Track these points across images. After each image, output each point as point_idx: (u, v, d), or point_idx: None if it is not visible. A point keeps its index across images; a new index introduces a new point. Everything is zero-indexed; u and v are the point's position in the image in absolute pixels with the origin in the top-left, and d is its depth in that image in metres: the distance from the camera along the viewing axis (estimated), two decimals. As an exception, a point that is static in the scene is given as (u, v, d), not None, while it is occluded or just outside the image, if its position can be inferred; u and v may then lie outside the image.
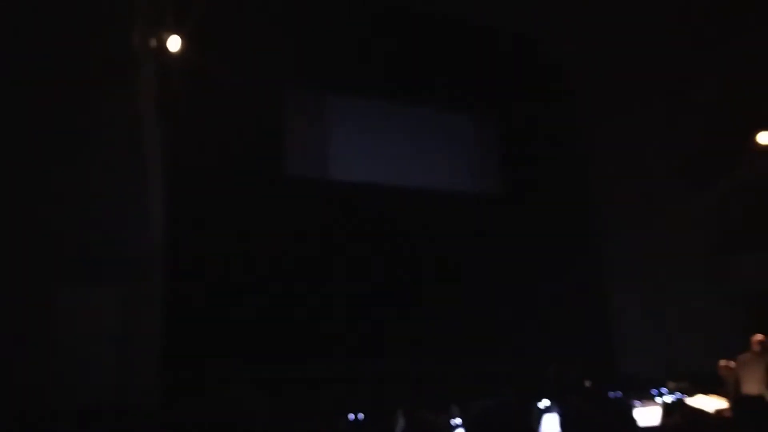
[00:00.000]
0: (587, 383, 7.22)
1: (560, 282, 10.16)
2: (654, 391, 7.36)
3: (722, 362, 6.93)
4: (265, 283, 8.90)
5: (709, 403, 6.65)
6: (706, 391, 7.00)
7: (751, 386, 6.84)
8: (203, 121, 8.79)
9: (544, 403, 6.87)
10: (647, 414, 5.96)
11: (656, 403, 6.74)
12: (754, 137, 9.72)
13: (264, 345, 8.62)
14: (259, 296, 8.78)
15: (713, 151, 10.25)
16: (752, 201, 10.20)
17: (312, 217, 9.39)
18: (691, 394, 7.03)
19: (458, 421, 6.46)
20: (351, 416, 7.99)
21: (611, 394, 7.04)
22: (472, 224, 10.37)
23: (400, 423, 6.83)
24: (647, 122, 10.80)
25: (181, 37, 7.71)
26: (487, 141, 11.29)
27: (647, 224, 10.76)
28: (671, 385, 7.48)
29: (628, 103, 10.85)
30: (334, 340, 9.00)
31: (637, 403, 6.35)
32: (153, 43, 7.85)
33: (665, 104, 10.68)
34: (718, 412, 6.38)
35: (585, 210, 11.26)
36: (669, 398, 7.26)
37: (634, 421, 5.56)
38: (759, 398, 6.11)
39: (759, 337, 7.05)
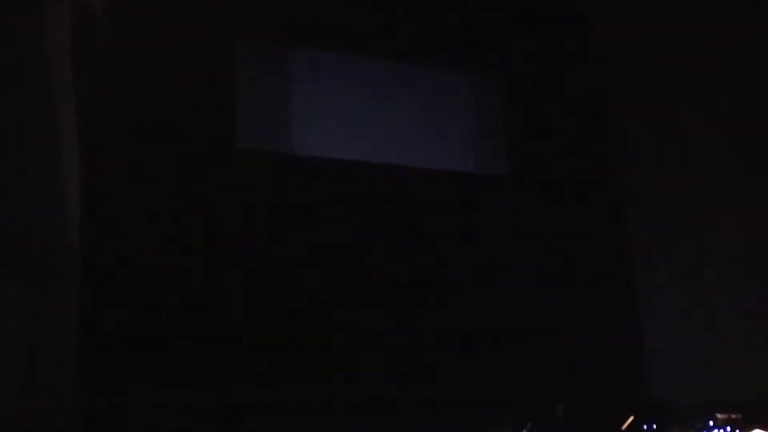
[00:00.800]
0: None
1: (578, 286, 10.11)
2: (699, 425, 7.18)
3: None
4: (209, 286, 8.60)
5: None
6: (763, 425, 6.82)
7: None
8: (132, 80, 8.53)
9: None
10: None
11: None
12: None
13: (204, 363, 8.29)
14: (200, 302, 8.47)
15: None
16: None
17: (269, 201, 9.11)
18: (745, 428, 6.88)
19: None
20: None
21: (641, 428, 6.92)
22: (470, 212, 10.13)
23: None
24: (694, 83, 10.47)
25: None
26: (490, 108, 11.01)
27: (692, 214, 10.50)
28: (720, 417, 7.28)
29: (668, 61, 10.58)
30: (294, 358, 8.72)
31: None
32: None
33: (720, 60, 10.34)
34: None
35: (611, 196, 11.01)
36: None
37: None
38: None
39: None
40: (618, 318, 10.50)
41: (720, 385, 9.56)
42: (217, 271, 8.76)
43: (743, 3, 10.20)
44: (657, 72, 10.88)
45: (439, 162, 10.48)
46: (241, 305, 8.80)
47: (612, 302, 10.49)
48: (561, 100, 10.87)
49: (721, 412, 7.31)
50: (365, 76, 10.30)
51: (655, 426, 7.10)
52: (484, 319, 9.73)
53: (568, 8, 11.16)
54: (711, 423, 7.21)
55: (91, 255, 8.06)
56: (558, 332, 9.84)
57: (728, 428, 6.92)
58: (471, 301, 9.76)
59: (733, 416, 7.21)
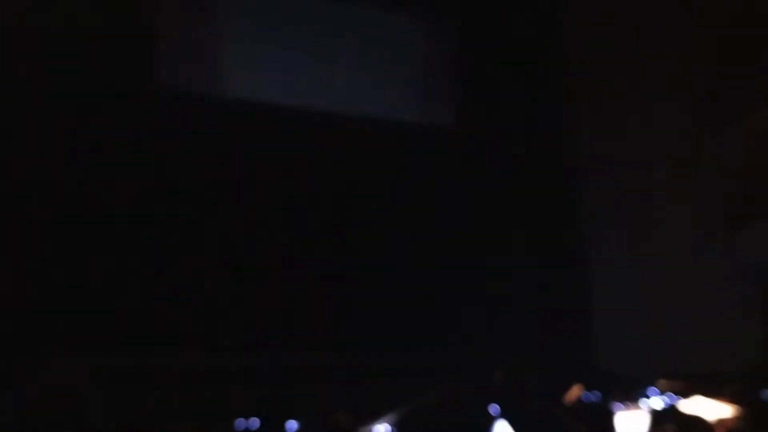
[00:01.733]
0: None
1: (525, 249, 10.19)
2: (640, 393, 7.40)
3: None
4: (117, 239, 8.34)
5: (710, 407, 6.66)
6: (707, 393, 7.04)
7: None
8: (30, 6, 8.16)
9: (495, 408, 6.77)
10: (631, 421, 5.89)
11: (643, 408, 6.76)
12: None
13: (112, 323, 8.08)
14: (105, 256, 8.22)
15: (733, 84, 10.10)
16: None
17: (195, 149, 8.86)
18: (687, 396, 7.08)
19: (385, 427, 6.35)
20: (241, 422, 7.72)
21: (587, 397, 7.08)
22: (416, 166, 10.05)
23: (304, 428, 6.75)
24: (649, 39, 10.64)
25: None
26: (440, 53, 10.88)
27: (641, 177, 10.67)
28: (663, 384, 7.51)
29: (625, 16, 10.67)
30: (217, 319, 8.59)
31: (619, 407, 6.33)
32: None
33: (673, 21, 10.48)
34: (721, 420, 6.38)
35: (562, 155, 11.09)
36: (659, 402, 7.20)
37: (611, 429, 5.47)
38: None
39: None
40: (565, 284, 10.63)
41: (664, 354, 9.80)
42: (131, 226, 8.50)
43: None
44: (611, 26, 10.89)
45: (383, 110, 10.31)
46: (157, 263, 8.53)
47: (560, 268, 10.63)
48: (516, 47, 10.84)
49: (664, 380, 7.55)
50: (305, 15, 9.99)
51: (599, 393, 7.27)
52: (424, 280, 9.68)
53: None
54: (654, 390, 7.43)
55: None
56: (503, 297, 9.88)
57: (670, 396, 7.14)
58: (409, 261, 9.69)
59: (676, 384, 7.45)
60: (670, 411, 6.74)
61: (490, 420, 6.39)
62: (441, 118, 10.81)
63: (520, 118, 10.65)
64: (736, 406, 6.63)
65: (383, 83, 10.44)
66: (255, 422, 7.70)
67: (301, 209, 9.45)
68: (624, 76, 10.83)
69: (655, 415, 6.61)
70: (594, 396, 7.42)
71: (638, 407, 6.80)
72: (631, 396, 6.98)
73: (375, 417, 6.47)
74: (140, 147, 8.63)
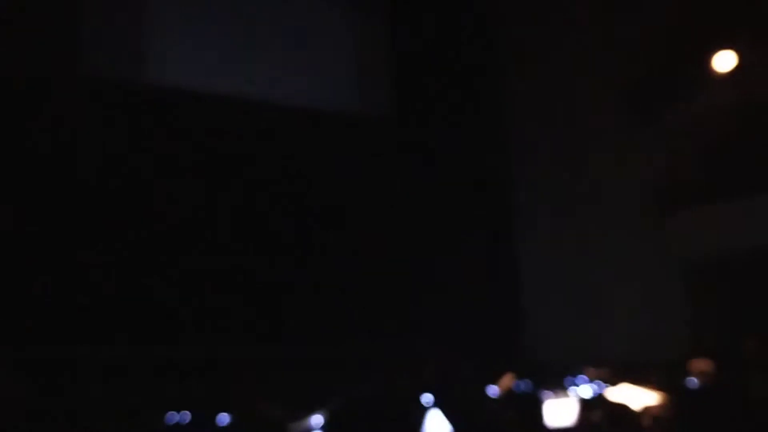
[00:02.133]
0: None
1: (456, 240, 10.25)
2: (569, 381, 7.61)
3: None
4: (41, 229, 8.15)
5: (636, 395, 6.92)
6: (633, 381, 7.29)
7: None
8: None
9: (428, 397, 6.91)
10: (560, 409, 6.07)
11: (571, 396, 6.97)
12: (714, 60, 10.07)
13: (36, 316, 7.92)
14: (29, 246, 8.05)
15: (661, 76, 10.33)
16: (706, 140, 10.64)
17: (118, 137, 8.71)
18: (614, 384, 7.30)
19: (315, 419, 6.42)
20: (172, 416, 7.59)
21: (517, 385, 7.24)
22: (348, 156, 10.01)
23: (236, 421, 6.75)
24: (580, 34, 10.79)
25: None
26: (372, 39, 10.91)
27: (571, 169, 10.84)
28: (590, 372, 7.74)
29: (555, 9, 10.83)
30: (144, 312, 8.45)
31: (548, 395, 6.50)
32: None
33: (603, 13, 10.67)
34: (647, 407, 6.64)
35: (497, 142, 11.25)
36: (587, 390, 7.39)
37: (541, 417, 5.66)
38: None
39: None
40: (495, 274, 10.79)
41: (592, 342, 10.02)
42: (64, 207, 8.33)
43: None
44: (542, 18, 11.02)
45: (314, 98, 10.22)
46: (80, 254, 8.32)
47: (490, 258, 10.80)
48: (450, 36, 10.89)
49: (592, 368, 7.78)
50: (235, 2, 9.88)
51: (529, 382, 7.43)
52: (355, 272, 9.70)
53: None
54: (582, 378, 7.64)
55: None
56: (433, 287, 9.94)
57: (598, 384, 7.36)
58: (340, 252, 9.72)
59: (603, 372, 7.68)
60: (598, 399, 6.96)
61: (423, 410, 6.55)
62: (374, 106, 10.86)
63: (454, 109, 10.73)
64: (661, 393, 6.92)
65: (315, 72, 10.38)
66: (186, 416, 7.63)
67: (229, 200, 9.36)
68: (555, 69, 10.93)
69: (583, 402, 6.83)
70: (525, 384, 7.59)
71: (567, 395, 7.01)
72: (561, 384, 7.18)
73: (307, 409, 6.56)
74: (62, 134, 8.44)
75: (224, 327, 8.91)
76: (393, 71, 10.96)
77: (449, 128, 10.62)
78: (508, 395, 6.52)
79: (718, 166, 10.41)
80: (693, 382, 6.97)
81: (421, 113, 10.68)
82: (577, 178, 10.89)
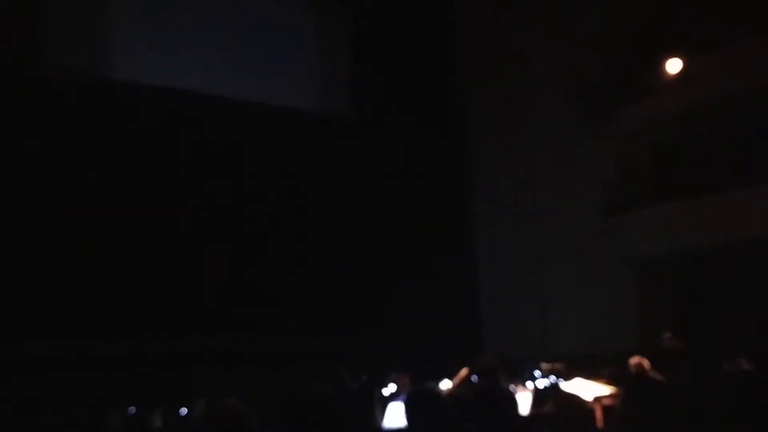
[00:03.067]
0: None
1: (415, 236, 10.35)
2: (525, 374, 7.75)
3: None
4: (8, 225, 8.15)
5: (588, 388, 7.09)
6: (586, 375, 7.46)
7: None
8: None
9: (390, 389, 7.02)
10: (517, 400, 6.19)
11: (526, 388, 7.02)
12: (662, 64, 10.33)
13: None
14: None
15: (612, 80, 10.62)
16: (655, 143, 10.91)
17: (80, 134, 8.74)
18: (567, 377, 7.44)
19: (275, 411, 6.42)
20: (132, 409, 7.72)
21: (473, 378, 7.30)
22: (310, 154, 10.10)
23: (200, 411, 6.73)
24: (534, 39, 11.03)
25: None
26: (333, 42, 10.97)
27: (528, 166, 11.08)
28: (545, 366, 7.88)
29: (513, 9, 11.04)
30: (103, 306, 8.48)
31: (505, 388, 6.57)
32: None
33: (556, 19, 10.92)
34: (598, 399, 6.82)
35: (454, 141, 11.42)
36: (542, 382, 7.39)
37: (499, 409, 5.78)
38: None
39: None
40: (454, 270, 10.92)
41: (546, 337, 10.29)
42: (25, 204, 8.31)
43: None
44: (504, 19, 11.29)
45: (276, 97, 10.26)
46: (42, 248, 8.33)
47: (449, 255, 10.89)
48: (409, 37, 10.98)
49: (546, 362, 7.94)
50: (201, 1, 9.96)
51: (485, 375, 7.50)
52: (314, 267, 9.82)
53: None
54: (537, 373, 7.78)
55: None
56: (393, 283, 10.06)
57: (553, 377, 7.50)
58: (301, 247, 9.83)
59: (557, 366, 7.84)
60: (552, 390, 7.11)
61: (384, 402, 6.65)
62: (335, 107, 10.95)
63: (415, 108, 10.84)
64: (611, 385, 7.11)
65: (275, 68, 10.43)
66: (142, 409, 7.71)
67: (191, 195, 9.43)
68: (513, 69, 11.17)
69: (538, 394, 6.98)
70: (481, 378, 7.65)
71: (523, 387, 7.15)
72: (517, 377, 7.31)
73: (267, 403, 6.58)
74: (24, 129, 8.43)
75: (192, 321, 8.97)
76: (354, 70, 11.06)
77: (407, 127, 10.74)
78: (465, 388, 6.64)
79: (666, 167, 10.66)
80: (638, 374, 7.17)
81: (380, 112, 10.81)
82: (532, 178, 11.06)
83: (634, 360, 7.06)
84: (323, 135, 10.40)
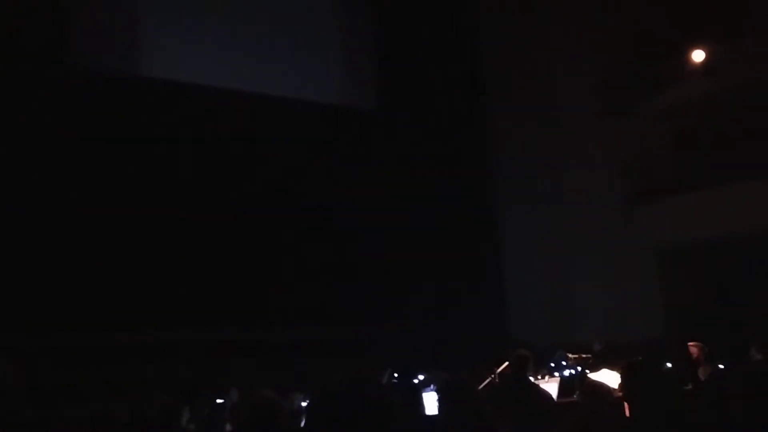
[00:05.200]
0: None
1: (441, 226, 10.45)
2: (552, 366, 7.80)
3: None
4: (31, 219, 8.34)
5: (614, 378, 7.15)
6: (611, 365, 7.53)
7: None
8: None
9: (421, 379, 7.12)
10: (546, 389, 6.29)
11: (554, 378, 7.15)
12: (686, 54, 10.36)
13: (24, 305, 8.09)
14: (19, 236, 8.23)
15: (636, 71, 10.68)
16: (679, 132, 10.91)
17: (113, 129, 8.92)
18: (593, 367, 7.51)
19: (303, 400, 6.53)
20: (168, 398, 7.78)
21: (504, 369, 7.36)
22: (336, 148, 10.22)
23: (233, 401, 6.84)
24: (557, 30, 11.12)
25: None
26: (359, 38, 11.10)
27: (549, 156, 11.18)
28: (572, 357, 7.98)
29: (536, 2, 11.11)
30: (133, 300, 8.64)
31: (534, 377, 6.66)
32: None
33: (579, 9, 10.97)
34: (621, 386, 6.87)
35: (478, 133, 11.52)
36: (568, 372, 7.60)
37: (530, 400, 5.87)
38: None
39: None
40: (479, 260, 11.05)
41: (572, 326, 10.37)
42: (56, 197, 8.48)
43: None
44: (523, 17, 11.34)
45: (302, 92, 10.37)
46: (62, 245, 8.50)
47: (474, 246, 11.02)
48: (433, 33, 11.05)
49: (572, 353, 8.00)
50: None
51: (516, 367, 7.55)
52: (342, 258, 9.97)
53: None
54: (563, 363, 7.84)
55: None
56: (419, 274, 10.20)
57: (579, 368, 7.54)
58: (328, 240, 9.94)
59: (583, 356, 7.91)
60: (578, 380, 7.20)
61: (419, 391, 6.76)
62: (361, 101, 11.06)
63: (438, 104, 10.96)
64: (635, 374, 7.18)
65: (301, 64, 10.54)
66: (184, 397, 7.80)
67: (220, 191, 9.59)
68: (534, 65, 11.26)
69: (565, 382, 7.07)
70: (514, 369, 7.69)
71: (552, 376, 7.23)
72: (543, 367, 7.39)
73: (298, 392, 6.68)
74: (56, 126, 8.59)
75: (220, 312, 9.11)
76: (378, 67, 11.16)
77: (431, 123, 10.84)
78: (498, 378, 6.73)
79: (690, 156, 10.65)
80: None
81: (404, 109, 10.90)
82: (556, 170, 11.10)
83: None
84: (349, 130, 10.53)
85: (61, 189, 8.60)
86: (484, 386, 6.66)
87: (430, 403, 5.81)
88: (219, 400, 7.49)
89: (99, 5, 9.31)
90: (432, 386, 6.68)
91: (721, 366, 6.36)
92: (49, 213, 8.48)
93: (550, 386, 6.50)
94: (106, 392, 7.59)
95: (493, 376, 6.83)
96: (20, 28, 8.45)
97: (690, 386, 6.22)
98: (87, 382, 7.75)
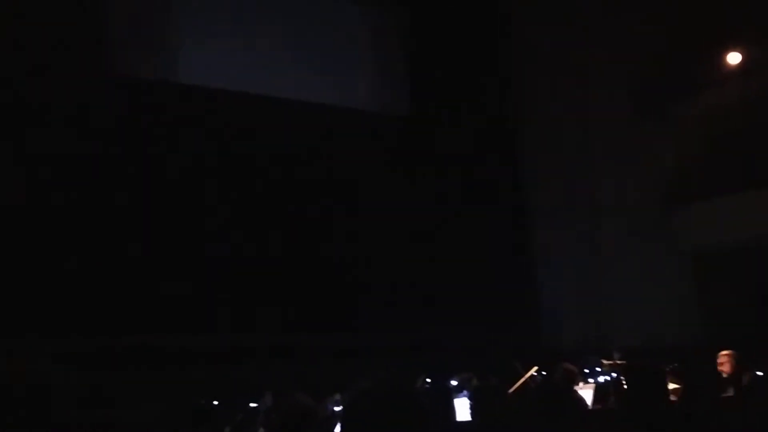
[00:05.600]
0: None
1: (474, 231, 10.38)
2: (586, 370, 7.71)
3: None
4: (75, 227, 8.44)
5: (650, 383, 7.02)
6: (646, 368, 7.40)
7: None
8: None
9: (454, 384, 7.09)
10: (581, 395, 6.24)
11: (588, 385, 7.00)
12: (721, 56, 10.20)
13: (75, 309, 8.18)
14: (65, 242, 8.33)
15: (671, 73, 10.55)
16: (715, 135, 10.77)
17: (151, 136, 9.03)
18: (627, 372, 7.38)
19: (337, 403, 6.53)
20: (204, 402, 7.86)
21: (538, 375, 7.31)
22: (369, 152, 10.21)
23: (267, 404, 6.87)
24: (591, 31, 11.02)
25: None
26: (392, 42, 11.08)
27: (586, 159, 11.10)
28: (606, 363, 7.89)
29: (568, 3, 11.04)
30: (175, 303, 8.69)
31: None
32: None
33: (615, 10, 10.87)
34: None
35: (510, 136, 11.47)
36: (603, 378, 7.46)
37: (563, 405, 5.83)
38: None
39: None
40: (513, 264, 10.98)
41: (607, 332, 10.26)
42: (96, 205, 8.56)
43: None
44: (556, 18, 11.23)
45: (336, 97, 10.38)
46: (120, 249, 8.60)
47: (508, 249, 10.95)
48: (466, 36, 11.01)
49: (607, 359, 7.92)
50: (257, 3, 10.04)
51: (544, 372, 7.50)
52: (376, 265, 9.97)
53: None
54: (598, 369, 7.76)
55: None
56: (451, 279, 10.12)
57: (613, 374, 7.47)
58: (363, 247, 9.97)
59: (618, 362, 7.82)
60: (613, 385, 7.12)
61: (451, 397, 6.73)
62: (393, 106, 11.01)
63: (469, 109, 10.90)
64: (673, 379, 7.08)
65: (334, 69, 10.54)
66: (215, 403, 7.85)
67: (254, 196, 9.61)
68: (567, 67, 11.17)
69: (600, 388, 7.00)
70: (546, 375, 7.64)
71: (586, 383, 7.16)
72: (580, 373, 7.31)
73: (333, 395, 6.69)
74: (94, 131, 8.68)
75: (256, 317, 9.15)
76: (409, 72, 11.11)
77: (462, 127, 10.78)
78: (530, 385, 6.69)
79: (726, 158, 10.52)
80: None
81: (435, 113, 10.88)
82: (591, 173, 11.02)
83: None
84: (382, 135, 10.53)
85: (106, 193, 8.72)
86: (516, 391, 6.63)
87: (462, 408, 5.79)
88: (252, 404, 7.53)
89: (135, 12, 9.39)
90: (465, 392, 6.68)
91: (760, 373, 6.27)
92: (91, 218, 8.59)
93: (585, 393, 6.46)
94: (140, 395, 7.67)
95: (525, 381, 6.79)
96: (57, 38, 8.55)
97: (731, 393, 6.14)
98: (122, 385, 7.81)
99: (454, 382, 7.16)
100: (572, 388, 5.82)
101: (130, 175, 8.91)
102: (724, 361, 6.64)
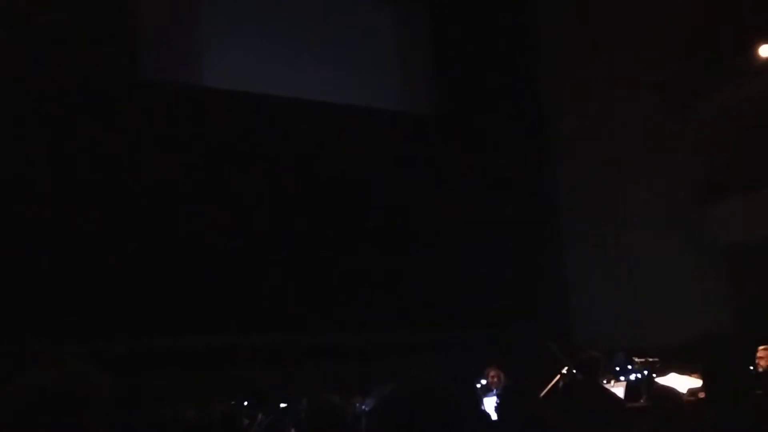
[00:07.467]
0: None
1: (503, 228, 10.37)
2: (617, 368, 7.68)
3: None
4: (107, 229, 8.56)
5: (683, 382, 6.97)
6: (680, 369, 7.32)
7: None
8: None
9: (484, 383, 7.07)
10: (612, 394, 6.17)
11: (620, 383, 7.02)
12: (752, 50, 10.06)
13: (103, 312, 8.28)
14: (98, 244, 8.44)
15: (699, 65, 10.46)
16: (746, 130, 10.62)
17: (178, 138, 9.09)
18: (661, 372, 7.33)
19: (367, 404, 6.53)
20: (236, 402, 7.84)
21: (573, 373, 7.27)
22: (395, 153, 10.22)
23: (304, 409, 6.89)
24: (616, 23, 10.90)
25: None
26: (416, 43, 11.06)
27: (612, 159, 10.93)
28: (638, 361, 7.80)
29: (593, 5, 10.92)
30: (201, 305, 8.79)
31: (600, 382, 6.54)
32: None
33: (638, 8, 10.72)
34: (693, 392, 6.71)
35: (537, 137, 11.42)
36: (634, 376, 7.44)
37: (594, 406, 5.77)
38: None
39: None
40: (543, 261, 10.98)
41: (638, 331, 10.14)
42: (128, 207, 8.71)
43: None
44: (581, 16, 11.15)
45: (361, 98, 10.40)
46: (152, 252, 8.73)
47: (537, 246, 10.93)
48: (490, 36, 10.99)
49: (639, 357, 7.83)
50: (281, 7, 10.12)
51: (575, 371, 7.45)
52: (405, 262, 9.95)
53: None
54: (629, 367, 7.68)
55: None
56: (480, 276, 10.11)
57: (645, 372, 7.39)
58: (391, 243, 9.96)
59: (650, 360, 7.73)
60: (645, 383, 7.04)
61: (478, 396, 6.70)
62: (419, 106, 11.05)
63: (496, 107, 10.87)
64: (704, 378, 6.96)
65: (359, 70, 10.57)
66: (249, 402, 7.90)
67: (282, 196, 9.67)
68: (593, 63, 11.06)
69: (632, 386, 6.92)
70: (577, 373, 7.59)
71: (618, 381, 7.09)
72: (608, 372, 7.23)
73: (363, 395, 6.69)
74: (124, 136, 8.80)
75: (287, 318, 9.18)
76: (435, 71, 11.11)
77: (490, 126, 10.76)
78: (561, 383, 6.64)
79: (757, 153, 10.38)
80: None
81: (462, 112, 10.87)
82: (619, 169, 10.93)
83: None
84: (406, 135, 10.53)
85: (142, 194, 8.88)
86: (548, 392, 6.58)
87: (490, 408, 5.75)
88: (282, 405, 7.56)
89: (166, 19, 9.50)
90: (494, 391, 6.66)
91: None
92: (125, 222, 8.74)
93: (617, 390, 6.39)
94: (173, 396, 7.72)
95: (556, 381, 6.73)
96: (90, 44, 8.68)
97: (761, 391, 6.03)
98: (154, 386, 7.87)
99: (483, 381, 7.16)
100: (597, 375, 5.73)
101: (160, 177, 9.01)
102: (764, 355, 6.55)
